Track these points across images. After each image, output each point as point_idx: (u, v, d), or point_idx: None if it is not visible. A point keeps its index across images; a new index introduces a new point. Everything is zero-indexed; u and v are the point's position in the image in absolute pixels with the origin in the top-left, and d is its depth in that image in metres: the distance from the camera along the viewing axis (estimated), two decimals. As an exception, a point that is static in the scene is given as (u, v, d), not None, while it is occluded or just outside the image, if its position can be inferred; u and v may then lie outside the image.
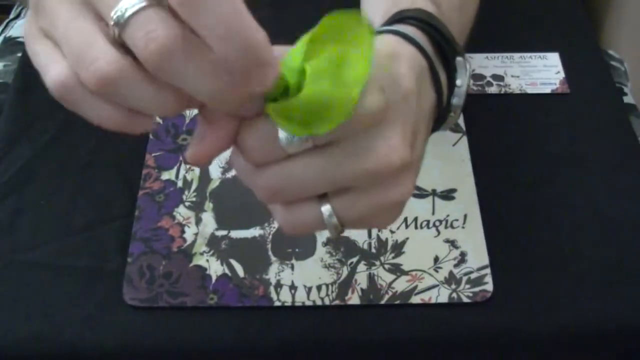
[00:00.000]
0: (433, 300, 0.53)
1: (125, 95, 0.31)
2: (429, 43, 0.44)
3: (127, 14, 0.30)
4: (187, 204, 0.59)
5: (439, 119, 0.45)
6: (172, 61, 0.30)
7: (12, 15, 0.84)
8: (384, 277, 0.55)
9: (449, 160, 0.61)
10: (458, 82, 0.45)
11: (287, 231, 0.38)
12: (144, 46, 0.29)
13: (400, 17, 0.46)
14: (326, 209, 0.37)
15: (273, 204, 0.38)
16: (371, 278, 0.55)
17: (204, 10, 0.29)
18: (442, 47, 0.45)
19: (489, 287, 0.54)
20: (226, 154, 0.37)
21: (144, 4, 0.30)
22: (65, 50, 0.32)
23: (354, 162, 0.35)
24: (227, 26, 0.29)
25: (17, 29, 0.82)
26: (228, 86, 0.31)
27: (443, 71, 0.45)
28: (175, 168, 0.61)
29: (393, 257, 0.56)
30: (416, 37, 0.43)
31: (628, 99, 0.77)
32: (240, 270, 0.55)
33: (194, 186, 0.60)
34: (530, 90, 0.66)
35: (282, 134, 0.34)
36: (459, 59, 0.45)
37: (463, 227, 0.57)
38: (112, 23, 0.30)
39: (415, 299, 0.53)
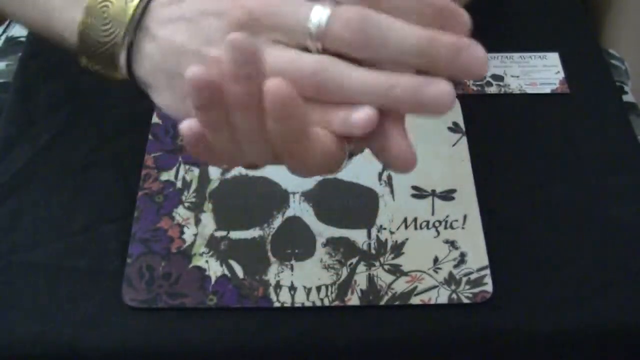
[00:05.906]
0: (433, 301, 0.53)
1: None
2: None
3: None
4: (186, 204, 0.59)
5: None
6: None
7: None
8: (384, 278, 0.55)
9: (449, 161, 0.61)
10: None
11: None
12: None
13: None
14: None
15: None
16: (371, 279, 0.54)
17: None
18: None
19: (489, 287, 0.54)
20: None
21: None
22: None
23: None
24: None
25: (19, 29, 0.82)
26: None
27: None
28: (175, 169, 0.61)
29: (392, 258, 0.56)
30: None
31: (629, 98, 0.77)
32: (239, 271, 0.55)
33: (193, 187, 0.60)
34: (530, 90, 0.66)
35: None
36: None
37: (463, 228, 0.57)
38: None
39: (415, 300, 0.53)
